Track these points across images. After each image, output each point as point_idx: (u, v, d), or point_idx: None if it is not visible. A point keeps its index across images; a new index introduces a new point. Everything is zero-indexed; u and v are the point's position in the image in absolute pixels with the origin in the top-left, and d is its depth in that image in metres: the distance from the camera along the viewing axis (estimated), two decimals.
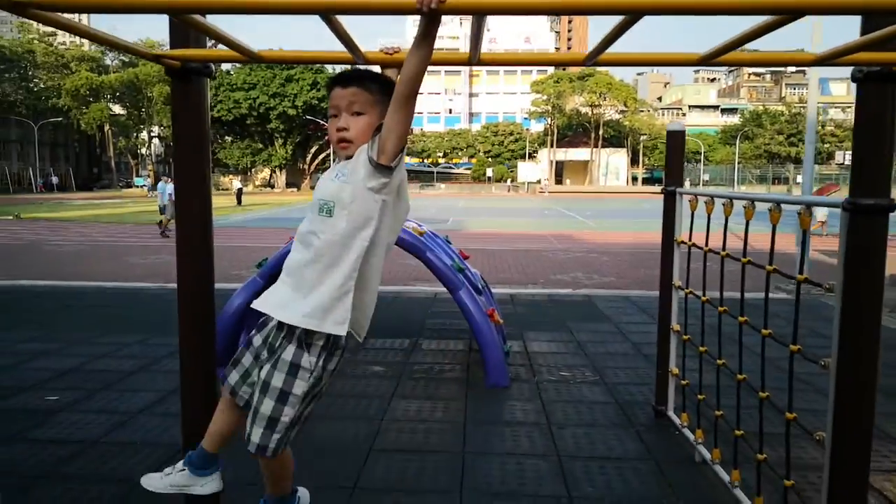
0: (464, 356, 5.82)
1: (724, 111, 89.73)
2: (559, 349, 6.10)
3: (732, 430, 3.24)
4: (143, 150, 69.56)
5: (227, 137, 64.39)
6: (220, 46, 1.93)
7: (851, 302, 2.17)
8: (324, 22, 1.50)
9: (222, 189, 64.85)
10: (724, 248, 3.35)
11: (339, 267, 2.01)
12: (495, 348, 4.96)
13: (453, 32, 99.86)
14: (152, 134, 67.96)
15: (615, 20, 1.58)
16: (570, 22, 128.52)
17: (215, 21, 1.93)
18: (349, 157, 2.08)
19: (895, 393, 4.88)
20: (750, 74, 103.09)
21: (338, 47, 2.01)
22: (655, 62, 1.96)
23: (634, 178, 79.21)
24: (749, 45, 1.93)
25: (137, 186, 63.82)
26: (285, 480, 2.37)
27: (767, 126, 74.03)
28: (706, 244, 3.66)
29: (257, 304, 2.11)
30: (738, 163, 69.44)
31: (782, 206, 2.75)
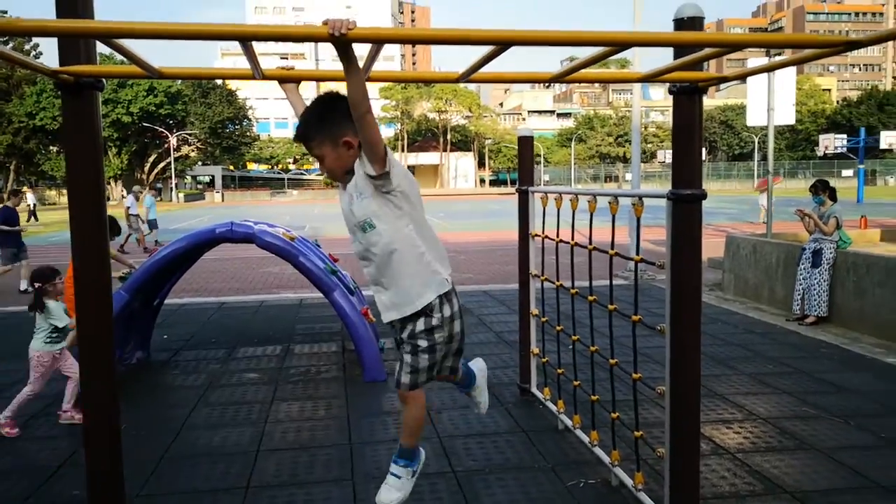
0: (338, 357, 5.98)
1: (559, 115, 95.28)
2: None
3: (588, 397, 3.70)
4: None
5: (52, 148, 58.93)
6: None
7: (678, 274, 2.64)
8: (241, 46, 1.66)
9: (49, 204, 59.33)
10: (572, 238, 3.81)
11: (407, 255, 2.42)
12: (371, 345, 5.18)
13: (299, 50, 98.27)
14: None
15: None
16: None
17: None
18: (349, 172, 2.44)
19: (721, 359, 5.68)
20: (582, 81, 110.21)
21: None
22: (517, 80, 2.30)
23: (482, 181, 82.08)
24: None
25: None
26: (420, 431, 2.66)
27: (598, 129, 79.67)
28: (557, 236, 4.12)
29: (386, 319, 2.54)
30: (574, 163, 74.20)
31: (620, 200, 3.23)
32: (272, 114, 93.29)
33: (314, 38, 1.63)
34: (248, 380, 5.30)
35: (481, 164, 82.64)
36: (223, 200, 59.92)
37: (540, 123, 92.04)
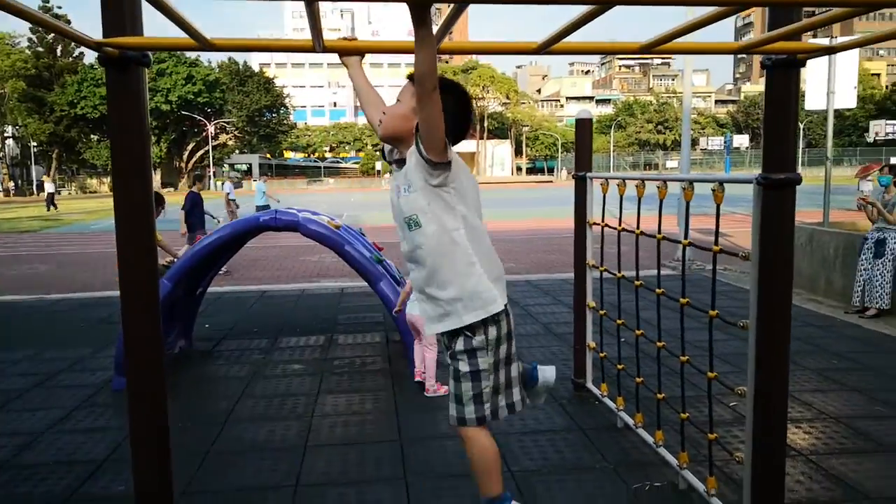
0: (382, 348, 5.84)
1: (598, 102, 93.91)
2: None
3: (652, 395, 3.48)
4: None
5: (93, 136, 60.11)
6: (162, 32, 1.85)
7: (767, 267, 2.40)
8: (306, 10, 1.49)
9: (90, 192, 60.62)
10: (638, 227, 3.58)
11: (456, 261, 2.19)
12: None
13: (333, 25, 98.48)
14: (6, 135, 62.27)
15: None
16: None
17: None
18: (401, 161, 2.27)
19: None
20: (621, 67, 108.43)
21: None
22: (602, 50, 2.10)
23: (519, 168, 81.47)
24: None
25: None
26: (492, 475, 2.38)
27: (638, 115, 78.36)
28: (619, 225, 3.89)
29: (430, 331, 2.35)
30: (613, 151, 73.07)
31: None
32: (309, 102, 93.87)
33: None
34: (292, 371, 5.20)
35: (518, 152, 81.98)
36: None
37: (578, 110, 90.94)
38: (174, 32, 1.94)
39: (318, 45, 1.85)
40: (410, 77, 2.12)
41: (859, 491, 3.13)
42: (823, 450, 3.58)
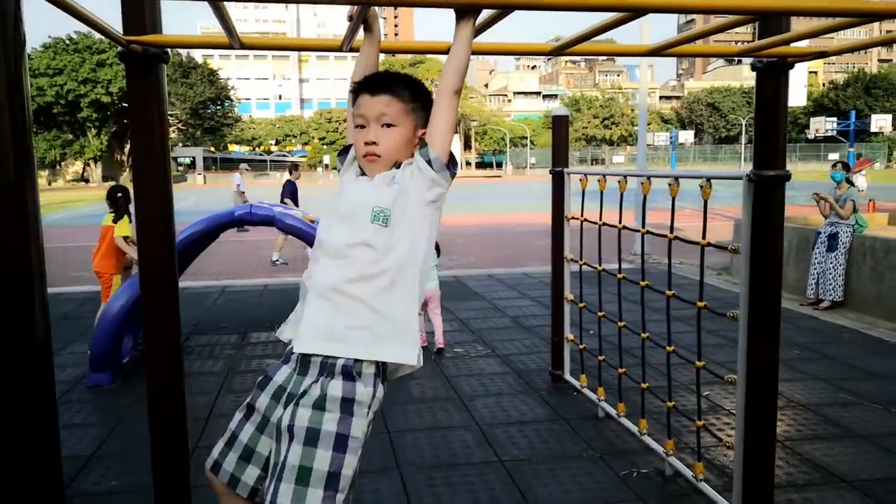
0: None
1: (545, 97, 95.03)
2: (446, 327, 6.30)
3: (633, 386, 3.61)
4: None
5: None
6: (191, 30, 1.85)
7: (759, 260, 2.54)
8: (356, 9, 1.52)
9: None
10: (619, 221, 3.69)
11: (405, 286, 1.69)
12: None
13: (279, 16, 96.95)
14: None
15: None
16: (395, 8, 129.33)
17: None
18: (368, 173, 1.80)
19: None
20: (567, 62, 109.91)
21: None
22: (611, 53, 2.18)
23: (468, 163, 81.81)
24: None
25: None
26: None
27: (585, 111, 79.65)
28: (600, 219, 4.00)
29: (304, 347, 1.68)
30: None
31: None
32: (253, 94, 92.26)
33: (444, 4, 1.49)
34: (268, 365, 5.15)
35: (467, 147, 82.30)
36: (205, 182, 59.13)
37: (526, 105, 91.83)
38: (189, 30, 1.94)
39: (346, 45, 1.87)
40: (390, 90, 1.76)
41: (834, 474, 3.30)
42: (796, 436, 3.78)
